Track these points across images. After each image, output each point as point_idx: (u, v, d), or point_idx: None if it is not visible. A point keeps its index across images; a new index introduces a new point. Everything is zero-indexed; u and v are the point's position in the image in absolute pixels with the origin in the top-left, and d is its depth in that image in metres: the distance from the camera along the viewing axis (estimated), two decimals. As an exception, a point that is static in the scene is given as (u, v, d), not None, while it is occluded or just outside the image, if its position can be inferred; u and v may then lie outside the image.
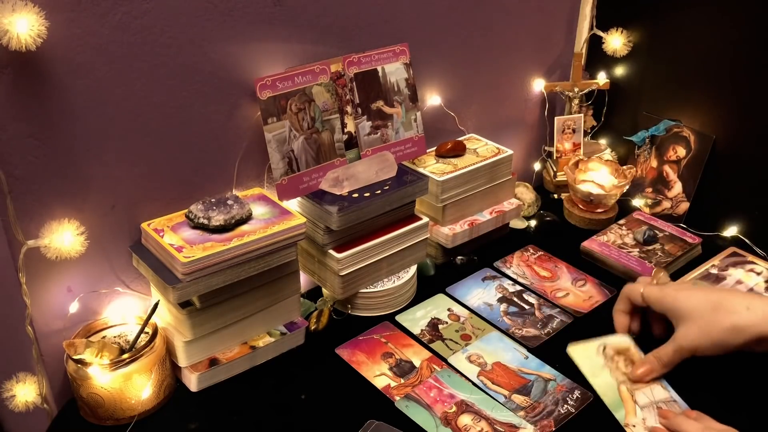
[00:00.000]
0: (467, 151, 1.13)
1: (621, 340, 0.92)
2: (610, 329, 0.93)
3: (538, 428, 0.79)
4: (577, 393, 0.85)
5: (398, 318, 0.99)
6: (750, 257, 1.09)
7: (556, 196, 1.33)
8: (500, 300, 1.03)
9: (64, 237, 0.76)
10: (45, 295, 0.82)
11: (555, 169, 1.32)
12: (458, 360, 0.90)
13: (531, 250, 1.15)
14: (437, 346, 0.93)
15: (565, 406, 0.83)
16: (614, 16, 1.27)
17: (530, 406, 0.83)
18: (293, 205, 0.95)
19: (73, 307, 0.84)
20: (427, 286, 1.06)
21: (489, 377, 0.87)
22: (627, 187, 1.23)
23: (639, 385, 0.86)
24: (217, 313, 0.85)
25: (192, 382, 0.85)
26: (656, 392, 0.85)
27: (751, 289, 1.01)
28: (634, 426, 0.80)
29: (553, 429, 0.80)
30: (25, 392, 0.78)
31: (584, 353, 0.91)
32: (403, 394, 0.85)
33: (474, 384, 0.86)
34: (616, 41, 1.26)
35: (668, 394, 0.84)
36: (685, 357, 0.83)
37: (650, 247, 1.12)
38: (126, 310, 0.88)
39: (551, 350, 0.93)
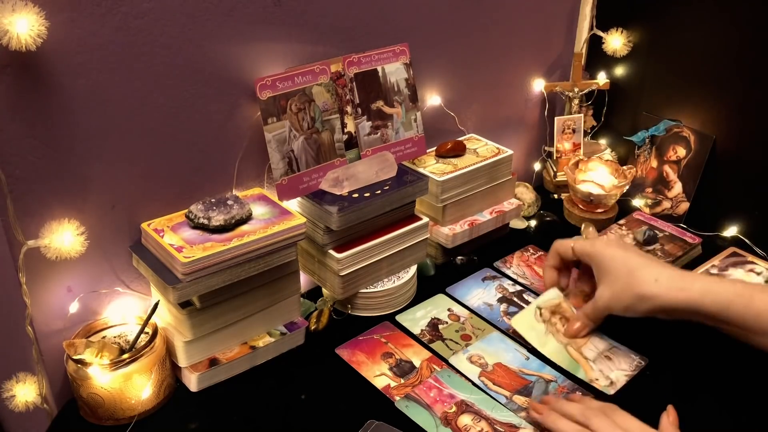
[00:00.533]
0: (467, 151, 1.13)
1: (551, 296, 0.97)
2: (610, 329, 0.93)
3: (540, 430, 0.79)
4: (578, 393, 0.85)
5: (398, 318, 0.99)
6: (750, 257, 1.09)
7: (556, 196, 1.33)
8: (500, 300, 1.03)
9: (64, 237, 0.76)
10: (45, 295, 0.82)
11: (555, 169, 1.32)
12: (459, 361, 0.90)
13: (531, 250, 1.15)
14: (437, 346, 0.93)
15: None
16: (614, 16, 1.27)
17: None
18: (293, 205, 0.95)
19: (73, 307, 0.84)
20: (427, 286, 1.06)
21: (490, 378, 0.87)
22: (627, 187, 1.23)
23: (580, 341, 0.92)
24: (217, 313, 0.85)
25: (192, 382, 0.85)
26: (597, 344, 0.93)
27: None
28: (597, 380, 0.87)
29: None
30: (25, 392, 0.78)
31: (526, 323, 0.95)
32: (403, 394, 0.85)
33: (475, 385, 0.86)
34: (616, 41, 1.26)
35: (608, 342, 0.93)
36: (606, 314, 0.89)
37: (650, 248, 1.12)
38: (126, 310, 0.88)
39: (551, 350, 0.93)
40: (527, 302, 1.02)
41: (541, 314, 0.96)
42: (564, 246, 0.95)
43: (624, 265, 0.86)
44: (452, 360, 0.90)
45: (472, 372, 0.88)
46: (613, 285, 0.86)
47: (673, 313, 0.82)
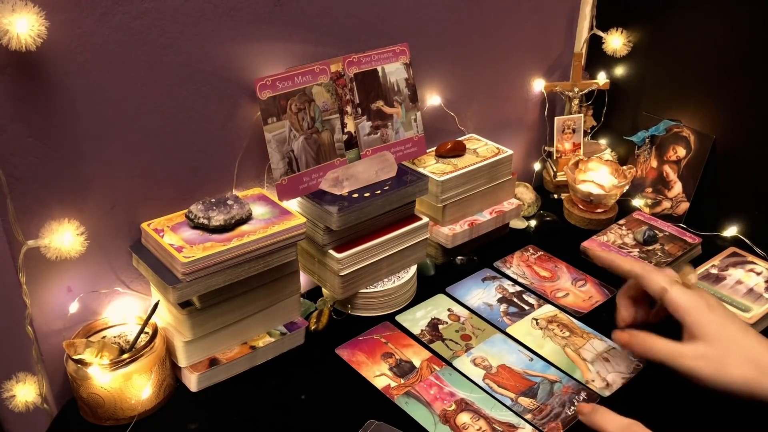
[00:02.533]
0: (467, 151, 1.13)
1: (545, 310, 0.98)
2: (610, 329, 0.93)
3: (547, 431, 0.79)
4: (583, 394, 0.85)
5: (398, 318, 0.99)
6: (750, 257, 1.09)
7: (556, 196, 1.33)
8: (500, 300, 1.03)
9: (64, 237, 0.76)
10: (45, 295, 0.82)
11: (555, 169, 1.32)
12: (463, 363, 0.90)
13: (531, 250, 1.15)
14: (437, 346, 0.93)
15: (572, 407, 0.83)
16: (614, 16, 1.27)
17: (537, 408, 0.83)
18: (293, 205, 0.95)
19: (73, 307, 0.84)
20: (427, 286, 1.06)
21: (495, 380, 0.87)
22: (627, 187, 1.23)
23: (579, 342, 0.92)
24: (217, 313, 0.85)
25: (192, 382, 0.85)
26: (596, 345, 0.93)
27: (751, 290, 1.01)
28: (593, 381, 0.87)
29: (562, 431, 0.80)
30: (25, 392, 0.78)
31: (522, 330, 0.96)
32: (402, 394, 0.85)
33: (480, 387, 0.86)
34: (616, 41, 1.26)
35: (606, 344, 0.93)
36: (674, 369, 0.78)
37: (650, 247, 1.12)
38: (126, 310, 0.88)
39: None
40: (527, 303, 1.02)
41: (537, 323, 0.97)
42: (655, 284, 0.80)
43: (737, 338, 0.76)
44: (456, 363, 0.90)
45: (477, 374, 0.88)
46: (716, 353, 0.75)
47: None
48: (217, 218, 0.83)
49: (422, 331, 0.96)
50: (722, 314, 0.78)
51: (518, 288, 1.06)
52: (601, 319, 0.98)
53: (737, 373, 0.74)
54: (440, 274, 1.09)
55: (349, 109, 0.98)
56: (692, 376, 0.76)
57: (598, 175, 1.25)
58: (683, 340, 0.78)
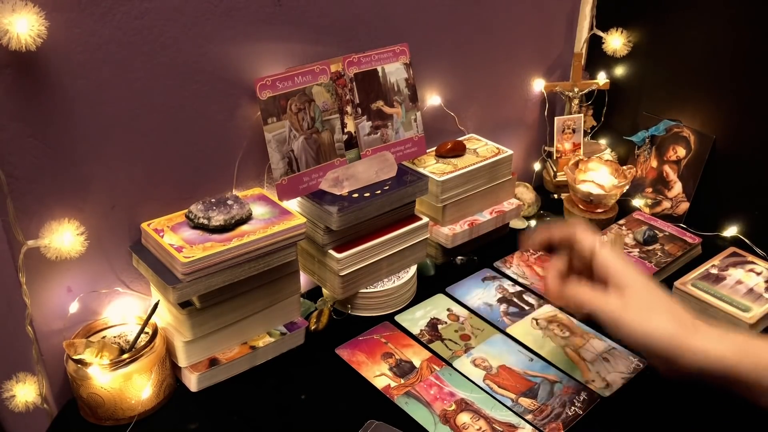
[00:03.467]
0: (467, 151, 1.13)
1: (545, 310, 0.98)
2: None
3: (547, 431, 0.80)
4: (583, 394, 0.85)
5: (397, 318, 0.99)
6: (750, 257, 1.09)
7: (556, 196, 1.33)
8: (500, 300, 1.03)
9: (64, 237, 0.76)
10: (45, 295, 0.82)
11: (555, 169, 1.32)
12: (463, 363, 0.90)
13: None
14: (436, 346, 0.93)
15: (573, 407, 0.83)
16: (614, 16, 1.27)
17: (538, 409, 0.83)
18: (293, 205, 0.95)
19: (73, 307, 0.84)
20: (427, 286, 1.06)
21: (495, 381, 0.87)
22: (627, 187, 1.23)
23: (579, 342, 0.93)
24: (217, 313, 0.85)
25: (192, 382, 0.85)
26: (596, 345, 0.93)
27: (751, 290, 1.01)
28: (593, 381, 0.87)
29: (562, 431, 0.80)
30: (25, 392, 0.78)
31: (522, 330, 0.96)
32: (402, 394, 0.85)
33: (480, 388, 0.86)
34: (616, 41, 1.26)
35: (606, 343, 0.93)
36: (600, 317, 0.76)
37: (650, 248, 1.12)
38: (126, 310, 0.88)
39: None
40: (527, 303, 1.02)
41: (537, 323, 0.97)
42: (588, 242, 0.79)
43: (666, 303, 0.75)
44: (456, 363, 0.90)
45: (477, 375, 0.88)
46: (637, 303, 0.74)
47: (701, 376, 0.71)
48: (217, 218, 0.83)
49: (421, 331, 0.96)
50: (642, 275, 0.79)
51: (518, 288, 1.06)
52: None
53: (661, 326, 0.73)
54: (440, 274, 1.09)
55: (349, 109, 0.98)
56: (618, 326, 0.74)
57: (598, 175, 1.25)
58: (610, 294, 0.76)
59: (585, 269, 0.83)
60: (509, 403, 0.83)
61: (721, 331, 0.74)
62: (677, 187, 1.23)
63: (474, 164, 1.09)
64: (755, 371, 0.70)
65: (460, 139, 1.16)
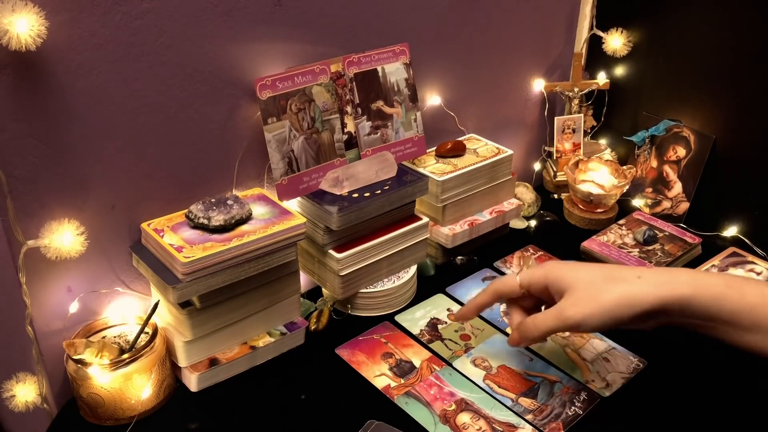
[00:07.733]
0: (467, 151, 1.13)
1: None
2: (610, 330, 0.93)
3: (548, 431, 0.79)
4: (583, 394, 0.85)
5: (397, 318, 0.99)
6: (750, 257, 1.09)
7: (556, 196, 1.33)
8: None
9: (64, 237, 0.76)
10: (45, 295, 0.82)
11: (555, 169, 1.32)
12: (463, 364, 0.90)
13: (531, 250, 1.15)
14: (436, 346, 0.93)
15: (573, 407, 0.83)
16: (614, 16, 1.27)
17: (538, 408, 0.83)
18: (293, 205, 0.95)
19: (73, 307, 0.84)
20: (427, 286, 1.06)
21: (495, 381, 0.87)
22: (627, 187, 1.23)
23: (579, 342, 0.93)
24: (217, 313, 0.85)
25: (192, 382, 0.85)
26: (596, 345, 0.93)
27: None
28: (593, 381, 0.87)
29: (562, 431, 0.80)
30: (25, 392, 0.78)
31: None
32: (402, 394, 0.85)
33: (480, 388, 0.86)
34: (616, 41, 1.26)
35: (607, 344, 0.93)
36: (566, 329, 0.76)
37: (650, 247, 1.12)
38: (126, 310, 0.88)
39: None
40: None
41: None
42: (506, 285, 0.82)
43: (594, 271, 0.76)
44: (456, 363, 0.90)
45: (477, 375, 0.88)
46: (588, 290, 0.74)
47: (659, 315, 0.72)
48: (217, 218, 0.83)
49: (421, 331, 0.96)
50: (569, 263, 0.80)
51: (518, 288, 1.06)
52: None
53: (609, 298, 0.73)
54: (440, 274, 1.09)
55: (349, 109, 0.98)
56: (580, 325, 0.74)
57: (598, 175, 1.25)
58: (557, 303, 0.77)
59: (533, 302, 0.84)
60: (509, 403, 0.83)
61: (669, 269, 0.75)
62: (677, 187, 1.23)
63: (474, 164, 1.09)
64: (714, 304, 0.70)
65: (460, 139, 1.16)
